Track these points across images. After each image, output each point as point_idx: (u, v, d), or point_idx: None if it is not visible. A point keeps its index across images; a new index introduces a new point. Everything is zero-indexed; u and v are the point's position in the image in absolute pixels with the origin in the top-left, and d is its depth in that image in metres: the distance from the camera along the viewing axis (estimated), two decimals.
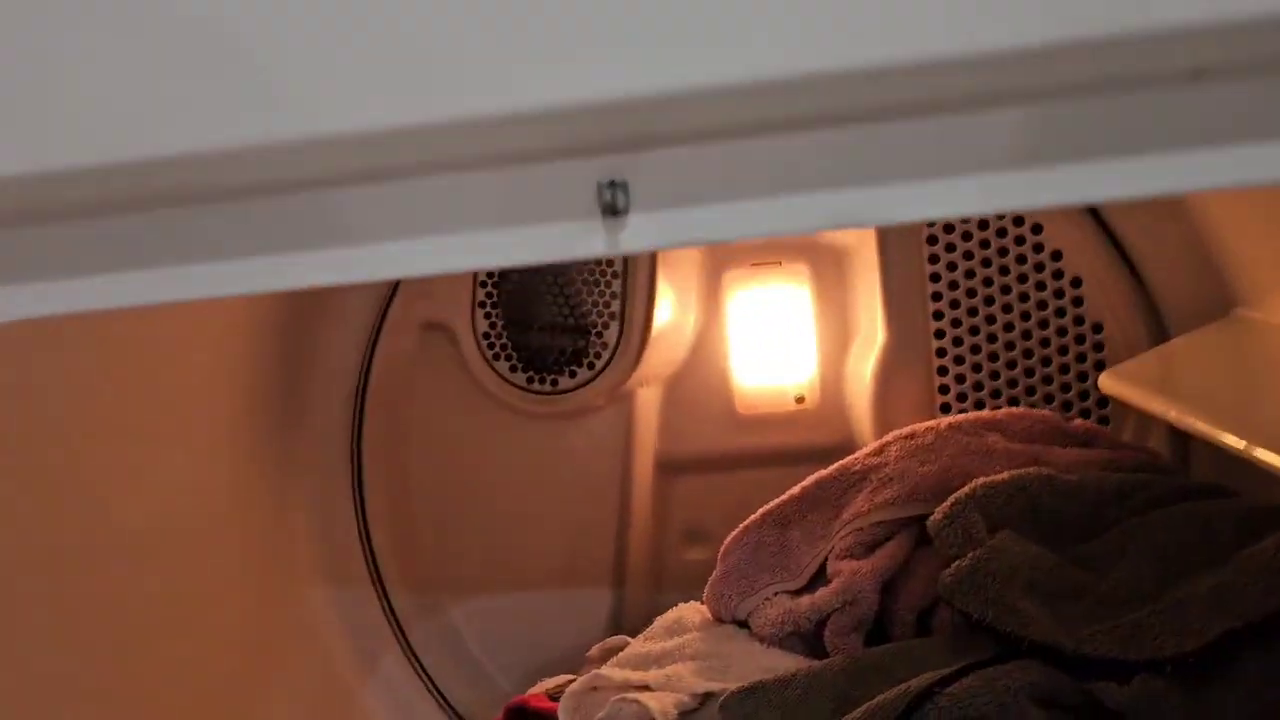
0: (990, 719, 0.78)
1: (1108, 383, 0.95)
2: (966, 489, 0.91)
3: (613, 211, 0.46)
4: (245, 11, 0.43)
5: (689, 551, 1.27)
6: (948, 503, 0.91)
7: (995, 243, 1.11)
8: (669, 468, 1.26)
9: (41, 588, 0.79)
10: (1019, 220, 1.10)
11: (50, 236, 0.50)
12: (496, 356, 1.21)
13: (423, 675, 1.24)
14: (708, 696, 0.89)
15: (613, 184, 0.46)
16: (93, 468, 0.87)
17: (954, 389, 1.14)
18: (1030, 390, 1.12)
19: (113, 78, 0.44)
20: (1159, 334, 1.08)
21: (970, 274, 1.12)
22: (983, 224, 1.11)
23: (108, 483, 0.88)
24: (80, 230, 0.50)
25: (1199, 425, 0.85)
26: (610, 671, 0.91)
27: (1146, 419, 1.08)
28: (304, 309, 1.13)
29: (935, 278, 1.13)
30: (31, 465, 0.79)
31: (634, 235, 0.47)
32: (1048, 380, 1.11)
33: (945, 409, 1.13)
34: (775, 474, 1.11)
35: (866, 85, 0.42)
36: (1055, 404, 1.11)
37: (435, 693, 1.24)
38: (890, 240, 1.13)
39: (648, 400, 1.24)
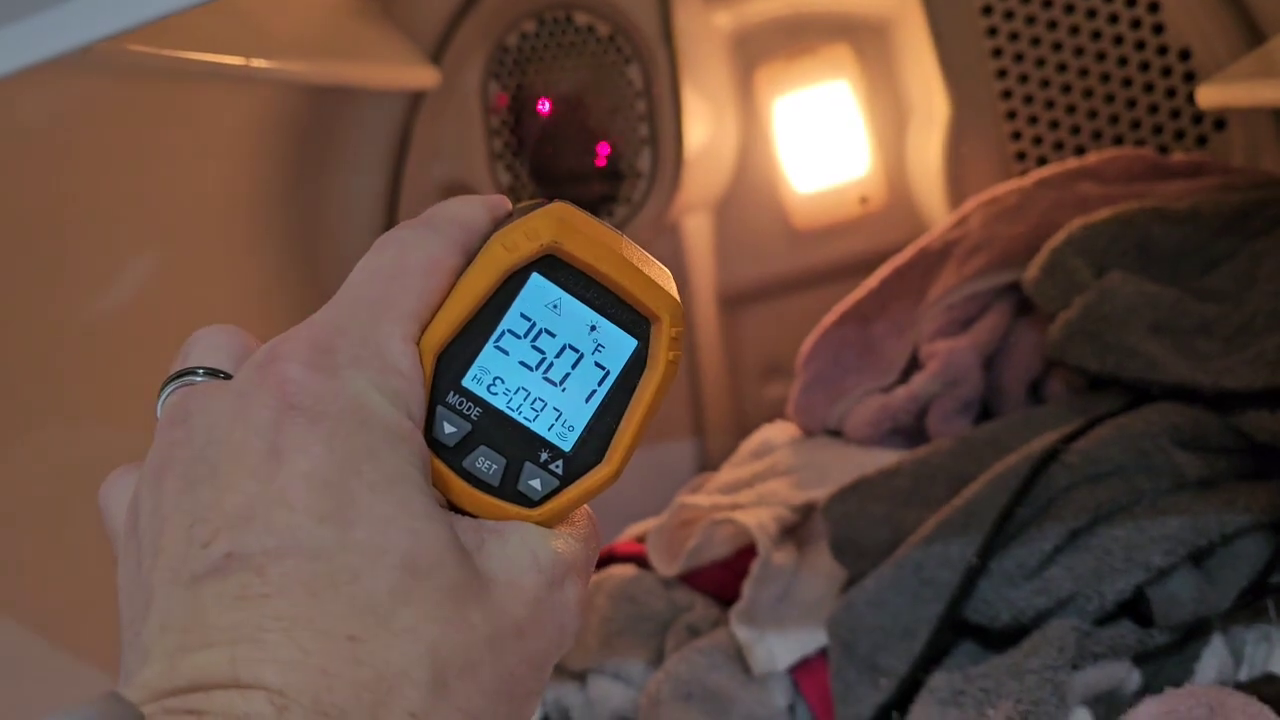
0: (1129, 469, 0.68)
1: (1208, 93, 0.83)
2: (1062, 233, 0.80)
3: None
4: None
5: (768, 388, 1.17)
6: (1042, 253, 0.80)
7: None
8: (732, 300, 1.16)
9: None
10: None
11: None
12: None
13: None
14: (808, 509, 0.81)
15: None
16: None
17: (1032, 152, 1.02)
18: (1118, 139, 1.00)
19: None
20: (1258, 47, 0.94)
21: (1031, 20, 0.99)
22: None
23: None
24: None
25: None
26: (697, 499, 0.83)
27: (1255, 147, 0.96)
28: (306, 185, 1.04)
29: (993, 31, 1.00)
30: None
31: None
32: (1136, 125, 0.99)
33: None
34: (850, 289, 1.00)
35: None
36: (1150, 148, 0.98)
37: None
38: None
39: (698, 230, 1.14)
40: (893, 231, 1.09)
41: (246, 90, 0.90)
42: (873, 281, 0.92)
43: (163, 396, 0.36)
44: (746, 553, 0.79)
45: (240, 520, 0.30)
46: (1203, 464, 0.69)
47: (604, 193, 1.11)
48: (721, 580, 0.81)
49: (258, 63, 0.79)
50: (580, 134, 1.10)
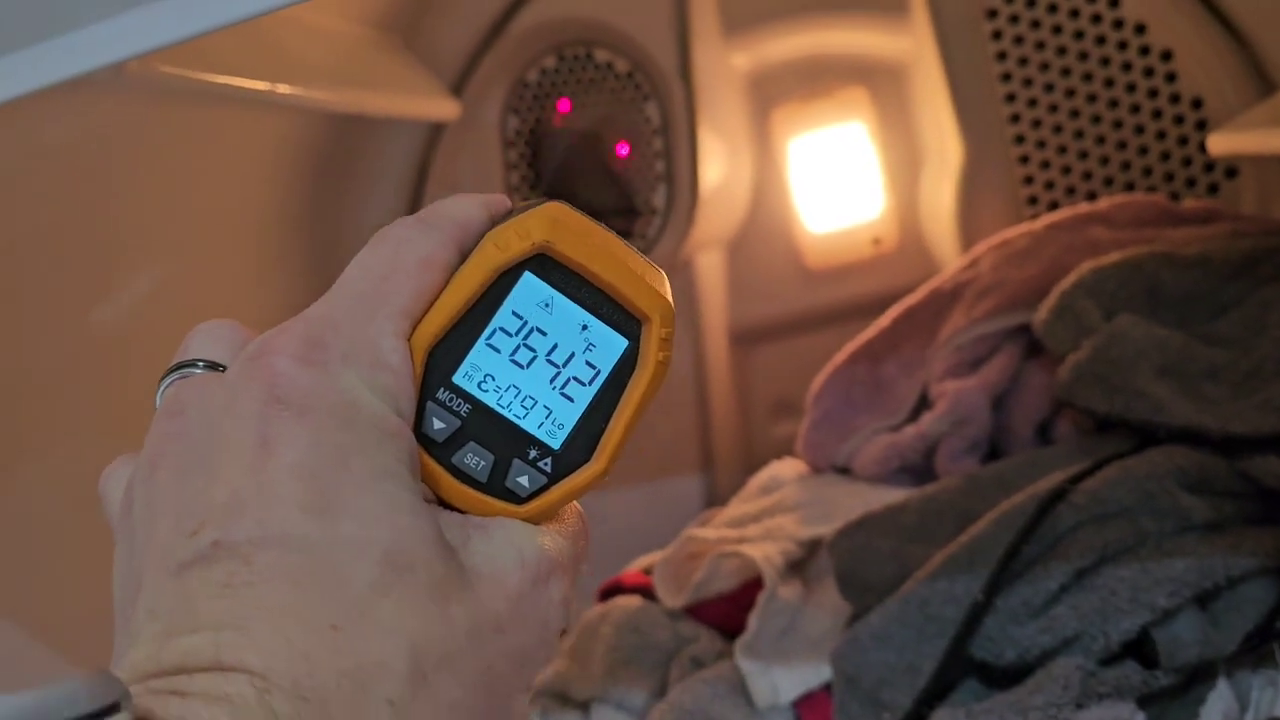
0: (1135, 511, 0.68)
1: (1219, 141, 0.84)
2: (1072, 276, 0.81)
3: None
4: None
5: (777, 426, 1.17)
6: (1053, 295, 0.81)
7: (1068, 26, 0.99)
8: (744, 337, 1.17)
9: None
10: None
11: None
12: None
13: None
14: (815, 544, 0.81)
15: None
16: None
17: (1044, 197, 1.03)
18: (1129, 185, 1.00)
19: None
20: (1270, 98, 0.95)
21: (1045, 66, 1.01)
22: (1052, 7, 0.99)
23: None
24: None
25: None
26: (704, 532, 0.83)
27: (1266, 195, 0.96)
28: (325, 211, 1.06)
29: (1006, 77, 1.02)
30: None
31: None
32: (1147, 171, 1.00)
33: None
34: (861, 329, 1.01)
35: None
36: (1161, 194, 0.99)
37: None
38: (953, 43, 1.02)
39: (711, 267, 1.15)
40: (905, 273, 1.10)
41: (270, 115, 0.91)
42: (884, 321, 0.92)
43: (161, 387, 0.36)
44: (752, 586, 0.80)
45: (228, 510, 0.31)
46: (1209, 507, 0.69)
47: (619, 228, 1.11)
48: (727, 613, 0.81)
49: (282, 88, 0.81)
50: (596, 169, 1.11)
